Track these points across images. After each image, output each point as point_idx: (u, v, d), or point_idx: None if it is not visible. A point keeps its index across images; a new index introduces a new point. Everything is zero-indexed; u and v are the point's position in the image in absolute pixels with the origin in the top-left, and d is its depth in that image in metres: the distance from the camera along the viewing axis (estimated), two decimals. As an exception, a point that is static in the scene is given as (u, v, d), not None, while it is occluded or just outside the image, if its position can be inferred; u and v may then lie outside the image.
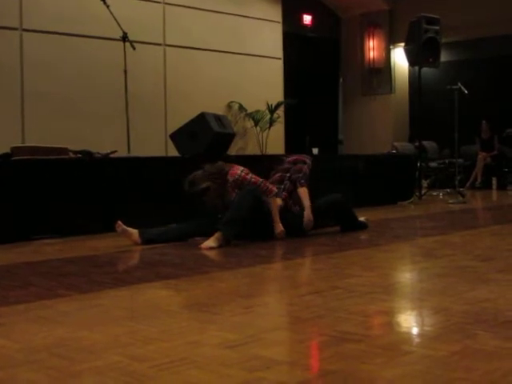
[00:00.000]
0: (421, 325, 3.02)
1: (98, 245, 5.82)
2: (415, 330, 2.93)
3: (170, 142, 8.35)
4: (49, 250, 5.65)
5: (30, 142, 8.31)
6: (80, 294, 3.64)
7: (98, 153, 7.24)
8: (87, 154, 7.08)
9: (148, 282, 4.00)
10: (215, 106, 10.74)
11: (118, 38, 8.47)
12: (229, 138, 8.16)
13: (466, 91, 10.52)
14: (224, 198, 5.79)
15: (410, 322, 3.08)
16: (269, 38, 13.25)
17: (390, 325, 2.96)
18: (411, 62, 10.85)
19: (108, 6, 8.37)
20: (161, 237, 5.72)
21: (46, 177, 6.30)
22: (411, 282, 4.15)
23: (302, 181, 6.02)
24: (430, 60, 10.43)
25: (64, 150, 6.82)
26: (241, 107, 12.49)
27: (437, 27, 10.46)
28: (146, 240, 5.60)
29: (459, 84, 10.59)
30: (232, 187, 5.74)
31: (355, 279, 3.94)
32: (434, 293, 3.56)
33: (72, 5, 10.31)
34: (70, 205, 6.40)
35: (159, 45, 11.46)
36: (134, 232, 5.62)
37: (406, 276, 4.40)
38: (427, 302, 3.36)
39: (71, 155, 6.93)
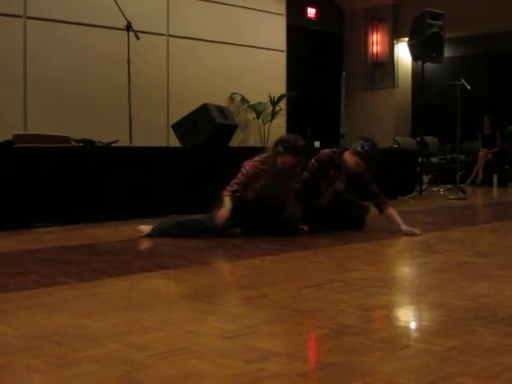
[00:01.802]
0: (419, 319, 3.02)
1: (98, 233, 5.83)
2: (414, 325, 2.94)
3: (171, 133, 8.35)
4: (49, 237, 5.67)
5: (32, 130, 8.31)
6: (80, 282, 3.64)
7: (100, 142, 7.24)
8: (89, 142, 7.08)
9: (148, 271, 4.00)
10: (217, 97, 10.73)
11: (122, 27, 8.47)
12: (231, 129, 8.17)
13: (468, 87, 10.52)
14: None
15: (408, 317, 3.09)
16: (272, 30, 13.23)
17: (389, 319, 2.97)
18: (415, 57, 10.84)
19: (113, -5, 8.37)
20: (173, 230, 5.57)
21: (47, 165, 6.30)
22: (411, 277, 4.16)
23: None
24: (434, 55, 10.42)
25: (66, 139, 6.82)
26: (243, 99, 12.47)
27: (441, 22, 10.45)
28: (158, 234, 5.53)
29: (462, 80, 10.60)
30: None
31: (355, 273, 3.94)
32: (433, 288, 3.57)
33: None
34: (71, 193, 6.40)
35: (162, 35, 11.45)
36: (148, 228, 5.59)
37: (406, 271, 4.41)
38: (426, 296, 3.36)
39: (73, 144, 6.94)
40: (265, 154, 5.78)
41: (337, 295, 3.30)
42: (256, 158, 5.74)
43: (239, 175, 5.61)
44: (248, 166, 5.66)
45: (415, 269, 4.38)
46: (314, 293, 3.37)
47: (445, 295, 3.31)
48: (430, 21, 10.30)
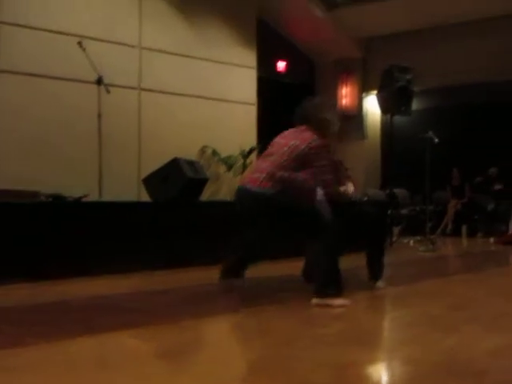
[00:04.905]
0: (391, 376, 3.01)
1: (68, 290, 5.76)
2: (385, 382, 2.93)
3: (143, 187, 8.34)
4: (18, 294, 5.58)
5: (1, 185, 8.25)
6: (48, 342, 3.58)
7: (70, 196, 7.20)
8: (59, 197, 7.04)
9: (117, 329, 3.95)
10: (189, 150, 10.76)
11: (93, 80, 8.51)
12: (201, 183, 8.18)
13: (436, 140, 10.66)
14: None
15: (380, 374, 3.07)
16: (243, 83, 13.34)
17: (360, 376, 2.95)
18: (383, 110, 10.99)
19: (84, 49, 8.42)
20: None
21: (16, 220, 6.24)
22: (381, 332, 4.15)
23: None
24: (402, 108, 10.57)
25: (35, 194, 6.79)
26: (214, 152, 12.51)
27: (409, 76, 10.62)
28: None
29: (430, 132, 10.73)
30: None
31: (324, 329, 3.93)
32: (404, 342, 3.57)
33: (47, 47, 10.33)
34: (41, 249, 6.33)
35: (134, 88, 11.50)
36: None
37: (376, 325, 4.39)
38: (398, 352, 3.36)
39: (42, 199, 6.90)
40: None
41: (305, 352, 3.28)
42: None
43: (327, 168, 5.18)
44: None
45: (386, 323, 4.38)
46: (283, 350, 3.34)
47: (416, 350, 3.31)
48: (398, 74, 10.46)
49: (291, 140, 5.21)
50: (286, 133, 5.42)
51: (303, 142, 5.11)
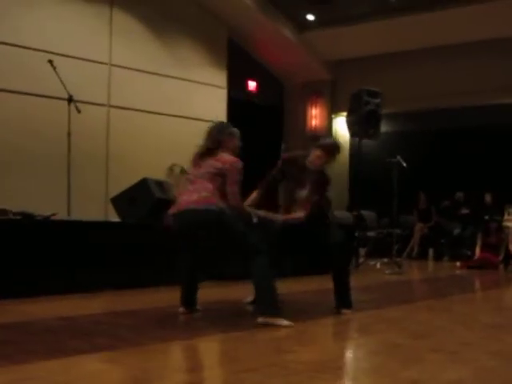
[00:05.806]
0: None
1: (34, 310, 5.71)
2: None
3: (110, 206, 8.32)
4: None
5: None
6: (13, 364, 3.54)
7: (39, 215, 7.16)
8: (27, 215, 7.00)
9: (84, 353, 3.92)
10: (157, 168, 10.73)
11: (63, 98, 8.51)
12: (170, 203, 8.17)
13: (404, 164, 10.74)
14: None
15: (343, 404, 3.10)
16: (213, 102, 13.39)
17: (324, 406, 2.98)
18: (352, 134, 11.07)
19: (55, 68, 8.41)
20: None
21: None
22: (346, 360, 4.17)
23: None
24: (371, 132, 10.65)
25: (3, 212, 6.74)
26: (182, 170, 12.49)
27: (377, 100, 10.71)
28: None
29: (398, 157, 10.82)
30: None
31: (291, 355, 3.94)
32: (367, 372, 3.60)
33: (17, 62, 10.30)
34: (7, 267, 6.29)
35: (104, 105, 11.50)
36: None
37: (341, 353, 4.39)
38: (361, 381, 3.39)
39: (11, 216, 6.85)
40: None
41: (273, 380, 3.30)
42: None
43: None
44: None
45: (350, 351, 4.40)
46: (251, 377, 3.36)
47: (379, 380, 3.34)
48: (366, 98, 10.55)
49: None
50: None
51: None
